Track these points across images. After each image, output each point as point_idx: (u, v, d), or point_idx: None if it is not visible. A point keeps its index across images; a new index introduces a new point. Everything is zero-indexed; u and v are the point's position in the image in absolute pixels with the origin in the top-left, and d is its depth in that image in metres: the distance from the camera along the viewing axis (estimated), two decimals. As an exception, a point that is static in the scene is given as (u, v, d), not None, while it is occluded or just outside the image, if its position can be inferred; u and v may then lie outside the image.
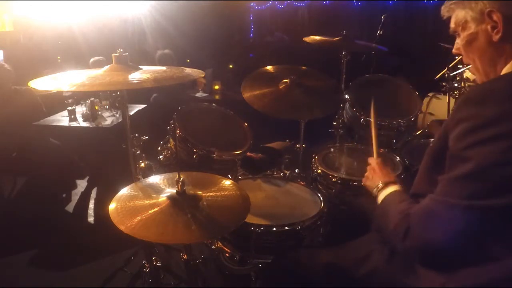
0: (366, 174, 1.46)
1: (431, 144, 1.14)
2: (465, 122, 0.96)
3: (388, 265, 1.16)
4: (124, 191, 1.40)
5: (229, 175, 1.96)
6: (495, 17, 1.06)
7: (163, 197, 1.31)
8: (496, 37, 1.07)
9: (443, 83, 3.19)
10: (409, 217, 1.06)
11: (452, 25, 1.20)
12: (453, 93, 3.00)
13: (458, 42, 1.21)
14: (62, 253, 2.78)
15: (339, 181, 1.92)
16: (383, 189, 1.30)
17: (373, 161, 1.47)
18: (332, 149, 2.26)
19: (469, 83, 2.95)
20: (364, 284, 1.22)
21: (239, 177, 2.06)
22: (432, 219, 1.01)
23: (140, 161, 1.83)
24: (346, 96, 2.37)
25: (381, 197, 1.29)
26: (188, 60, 6.04)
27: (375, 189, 1.33)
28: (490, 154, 0.91)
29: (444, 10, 1.23)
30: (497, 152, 0.90)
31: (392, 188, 1.28)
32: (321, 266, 1.34)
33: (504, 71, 1.08)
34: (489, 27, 1.08)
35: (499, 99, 0.94)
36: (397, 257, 1.15)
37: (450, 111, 2.96)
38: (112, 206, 1.30)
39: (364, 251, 1.26)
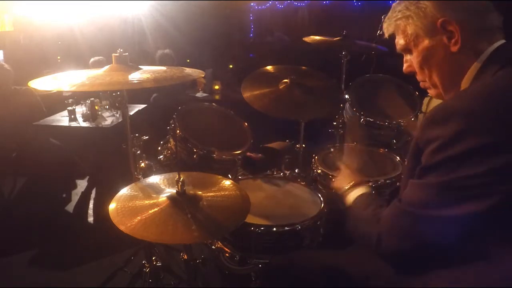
0: (336, 177, 1.49)
1: (409, 153, 1.11)
2: (433, 142, 0.94)
3: (391, 268, 1.15)
4: (124, 191, 1.40)
5: (229, 175, 1.96)
6: (450, 27, 1.01)
7: (163, 197, 1.31)
8: (455, 48, 1.02)
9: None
10: (379, 223, 1.06)
11: (401, 42, 1.12)
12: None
13: (409, 59, 1.15)
14: (62, 253, 2.78)
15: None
16: (351, 190, 1.32)
17: (342, 166, 1.50)
18: (332, 149, 2.26)
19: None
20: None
21: (239, 177, 2.06)
22: (397, 226, 1.01)
23: (140, 161, 1.83)
24: (346, 96, 2.37)
25: (349, 198, 1.31)
26: (188, 60, 6.04)
27: (342, 190, 1.35)
28: (453, 170, 0.90)
29: (387, 28, 1.14)
30: (461, 167, 0.90)
31: (360, 190, 1.29)
32: (322, 268, 1.33)
33: (463, 83, 1.04)
34: (444, 38, 1.02)
35: (459, 118, 0.91)
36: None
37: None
38: (112, 206, 1.30)
39: (366, 255, 1.25)
